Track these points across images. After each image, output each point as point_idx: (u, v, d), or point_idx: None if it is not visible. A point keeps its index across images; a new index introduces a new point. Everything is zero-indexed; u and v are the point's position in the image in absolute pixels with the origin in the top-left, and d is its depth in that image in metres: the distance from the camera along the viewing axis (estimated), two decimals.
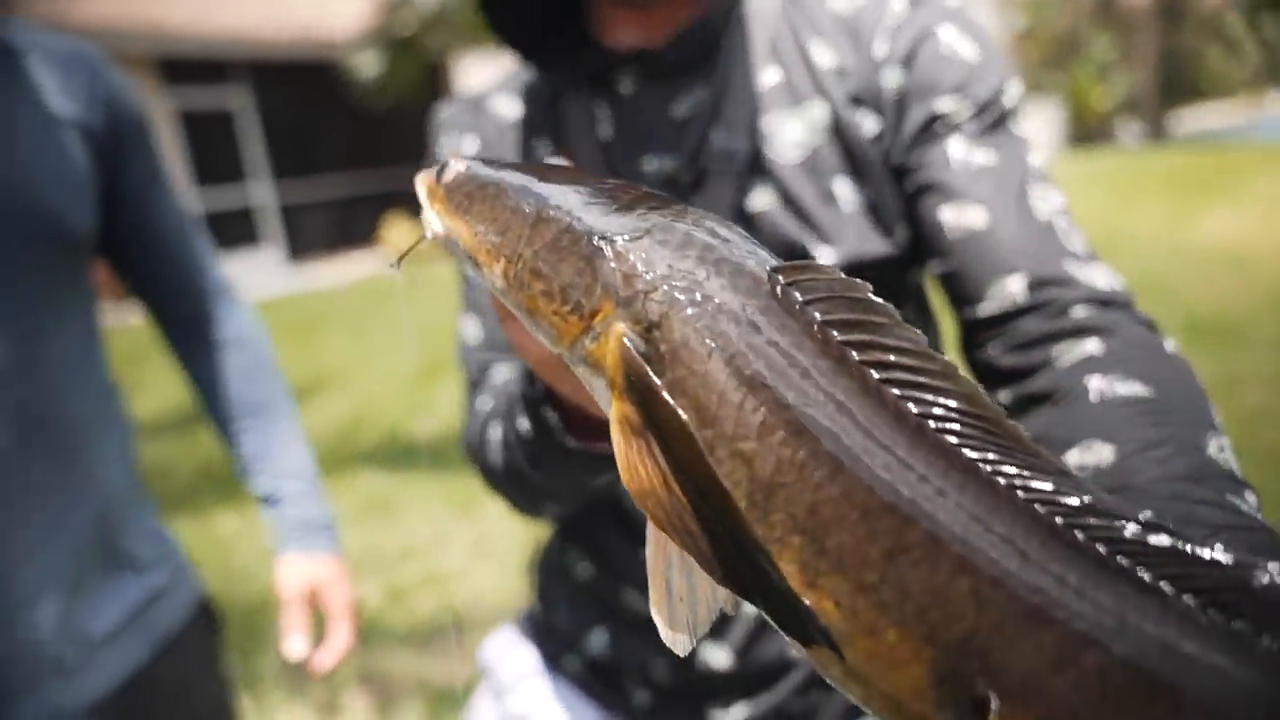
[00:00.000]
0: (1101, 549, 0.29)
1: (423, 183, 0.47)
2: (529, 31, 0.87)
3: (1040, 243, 0.72)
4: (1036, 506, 0.30)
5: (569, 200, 0.40)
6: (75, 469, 1.03)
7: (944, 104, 0.78)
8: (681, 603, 0.36)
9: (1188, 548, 0.28)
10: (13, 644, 0.96)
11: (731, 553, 0.33)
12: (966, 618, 0.29)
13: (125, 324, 4.17)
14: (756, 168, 0.81)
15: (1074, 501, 0.30)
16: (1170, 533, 0.29)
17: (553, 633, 0.99)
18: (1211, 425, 0.57)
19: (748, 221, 0.81)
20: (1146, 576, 0.28)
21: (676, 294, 0.35)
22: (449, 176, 0.45)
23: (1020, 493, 0.30)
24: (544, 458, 0.70)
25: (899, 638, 0.30)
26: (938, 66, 0.79)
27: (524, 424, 0.69)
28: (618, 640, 0.93)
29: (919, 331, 0.34)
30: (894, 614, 0.30)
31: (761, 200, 0.81)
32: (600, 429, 0.64)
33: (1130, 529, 0.29)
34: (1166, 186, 14.95)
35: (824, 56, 0.82)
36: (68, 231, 1.00)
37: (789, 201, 0.81)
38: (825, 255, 0.80)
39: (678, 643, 0.37)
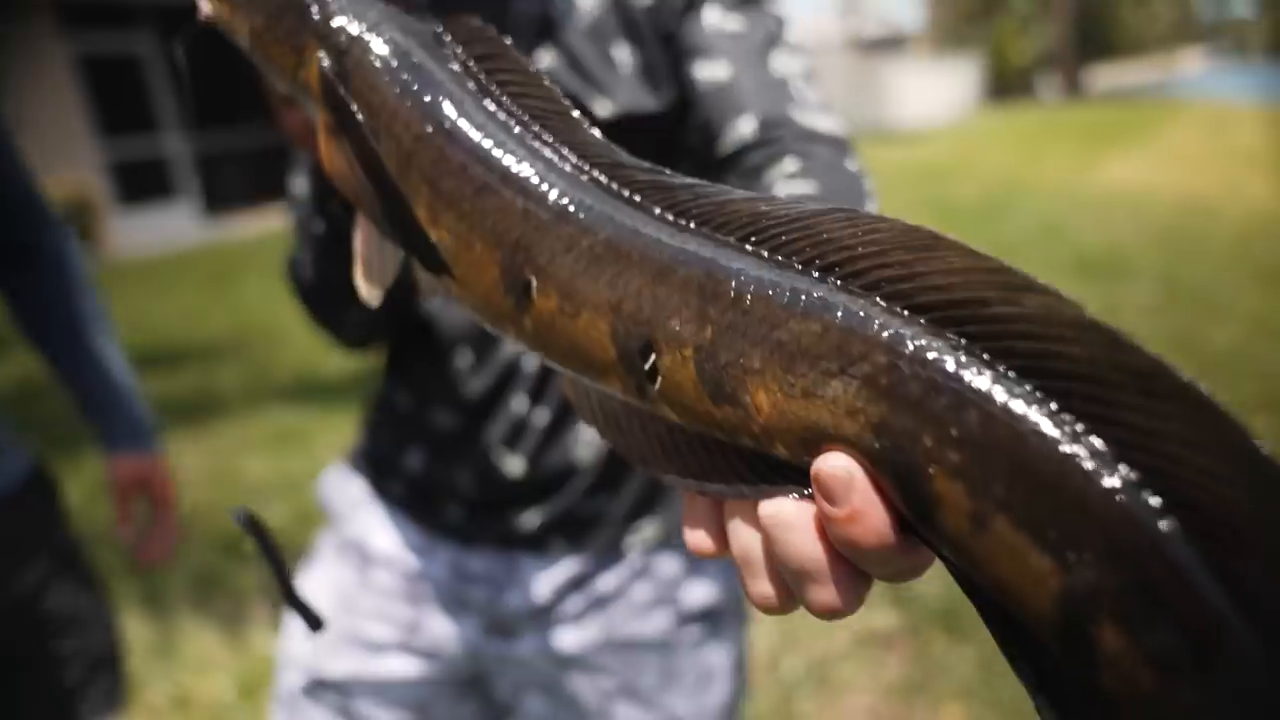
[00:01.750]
0: (604, 178, 0.41)
1: None
2: None
3: (773, 93, 0.85)
4: (567, 152, 0.43)
5: None
6: None
7: None
8: (373, 266, 0.52)
9: (676, 178, 0.41)
10: None
11: (389, 207, 0.46)
12: (517, 226, 0.41)
13: None
14: (545, 31, 0.93)
15: (600, 154, 0.43)
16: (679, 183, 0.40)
17: (377, 461, 1.10)
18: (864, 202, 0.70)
19: None
20: (635, 197, 0.40)
21: (360, 32, 0.49)
22: None
23: (569, 152, 0.43)
24: (337, 252, 0.81)
25: (482, 247, 0.42)
26: None
27: (318, 225, 0.80)
28: (431, 458, 1.04)
29: (529, 61, 0.47)
30: (479, 231, 0.43)
31: (546, 59, 0.93)
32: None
33: (638, 174, 0.41)
34: (1076, 138, 15.49)
35: None
36: None
37: (572, 62, 0.93)
38: (602, 108, 0.92)
39: (371, 295, 0.52)
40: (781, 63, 0.88)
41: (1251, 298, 5.38)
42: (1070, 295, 0.28)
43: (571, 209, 0.40)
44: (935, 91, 25.64)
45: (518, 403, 0.99)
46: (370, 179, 0.46)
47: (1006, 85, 31.37)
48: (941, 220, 7.77)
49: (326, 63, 0.49)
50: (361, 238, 0.51)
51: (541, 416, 0.99)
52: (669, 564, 1.04)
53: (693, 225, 0.37)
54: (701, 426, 0.36)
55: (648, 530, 1.03)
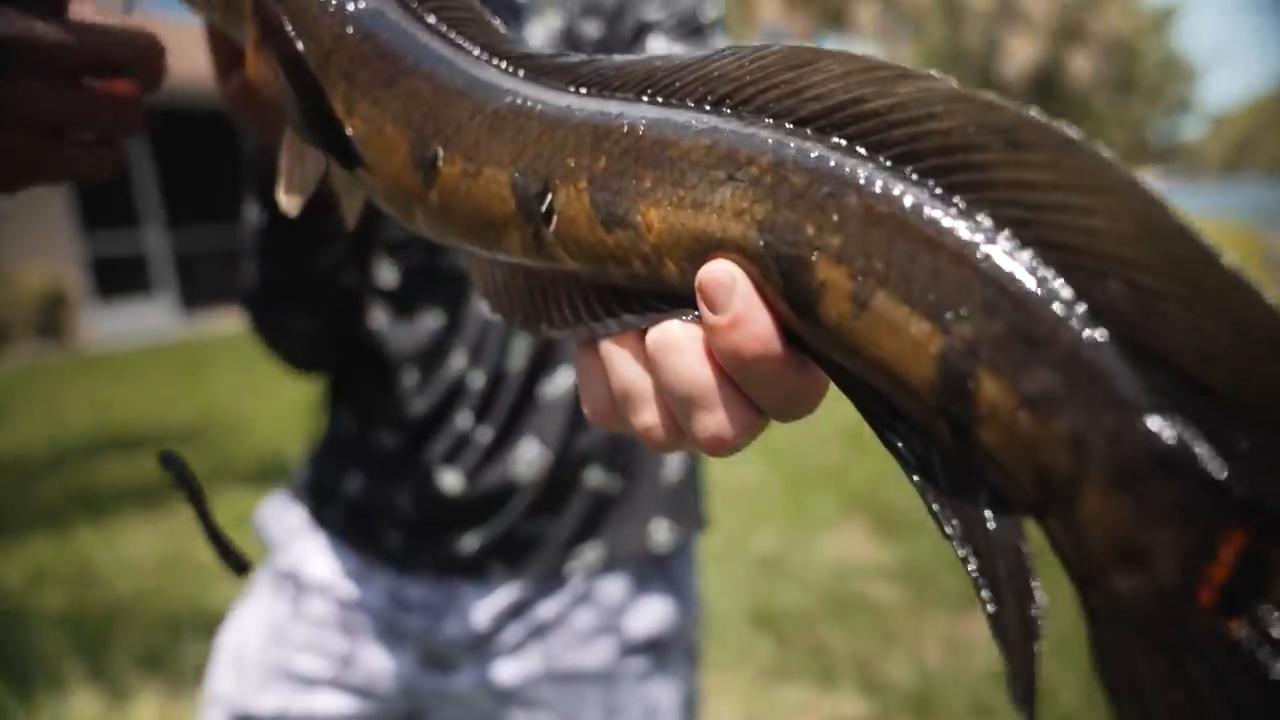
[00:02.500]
0: (508, 64, 0.43)
1: None
2: None
3: None
4: (476, 46, 0.45)
5: None
6: None
7: (650, 12, 0.95)
8: (293, 177, 0.53)
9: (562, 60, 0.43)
10: None
11: (308, 102, 0.48)
12: (425, 104, 0.43)
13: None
14: None
15: (509, 48, 0.45)
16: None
17: (316, 489, 1.07)
18: None
19: None
20: (539, 76, 0.42)
21: None
22: None
23: (478, 46, 0.45)
24: (279, 242, 0.81)
25: (393, 128, 0.44)
26: None
27: (262, 217, 0.80)
28: (370, 481, 1.02)
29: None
30: (389, 114, 0.44)
31: None
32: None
33: (543, 60, 0.43)
34: None
35: None
36: None
37: None
38: None
39: (290, 203, 0.53)
40: None
41: None
42: (942, 76, 0.29)
43: (476, 84, 0.42)
44: None
45: (462, 419, 0.97)
46: (291, 79, 0.48)
47: None
48: None
49: None
50: (285, 153, 0.53)
51: (484, 435, 0.97)
52: (613, 589, 1.00)
53: (590, 87, 0.39)
54: (594, 262, 0.37)
55: (590, 555, 0.99)
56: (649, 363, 0.36)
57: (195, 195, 13.54)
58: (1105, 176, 0.26)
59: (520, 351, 0.97)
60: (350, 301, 0.95)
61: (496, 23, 0.46)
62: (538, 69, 0.42)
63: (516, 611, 0.99)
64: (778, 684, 2.62)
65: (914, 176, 0.29)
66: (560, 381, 0.98)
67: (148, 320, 12.25)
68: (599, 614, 1.00)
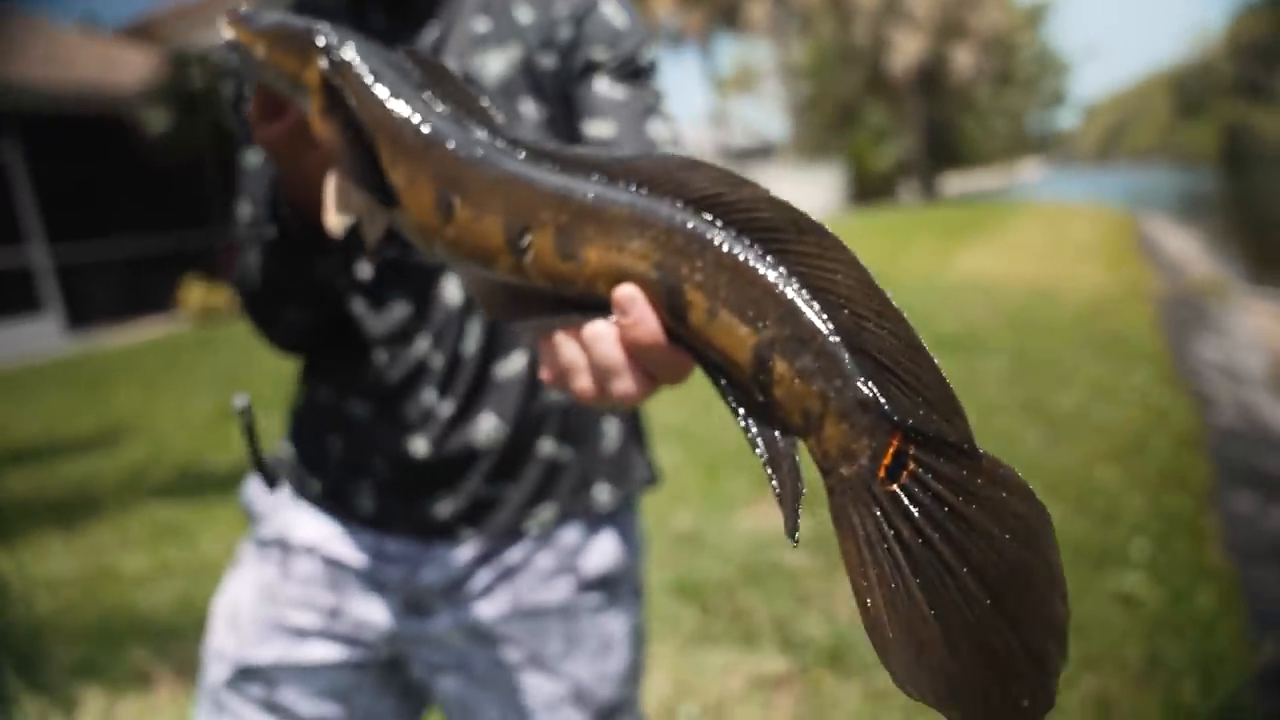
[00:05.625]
0: (505, 142, 0.64)
1: (225, 15, 0.80)
2: None
3: (645, 150, 1.05)
4: (481, 125, 0.66)
5: (300, 18, 0.78)
6: None
7: (597, 53, 1.10)
8: (340, 207, 0.72)
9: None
10: None
11: (362, 158, 0.68)
12: (450, 168, 0.63)
13: None
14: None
15: (504, 130, 0.65)
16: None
17: (298, 460, 1.18)
18: None
19: None
20: (525, 152, 0.63)
21: (348, 49, 0.72)
22: (241, 7, 0.81)
23: (483, 125, 0.66)
24: (284, 251, 0.94)
25: (424, 182, 0.65)
26: (597, 28, 1.10)
27: (271, 231, 0.93)
28: (346, 446, 1.14)
29: (459, 75, 0.68)
30: (423, 171, 0.65)
31: None
32: (314, 210, 0.89)
33: (530, 142, 0.63)
34: (933, 234, 16.58)
35: (522, 14, 1.11)
36: None
37: None
38: None
39: (337, 226, 0.72)
40: (655, 129, 1.09)
41: (1091, 366, 5.90)
42: (774, 193, 0.50)
43: (484, 157, 0.63)
44: (803, 195, 27.17)
45: (426, 395, 1.10)
46: (351, 142, 0.68)
47: (868, 190, 33.44)
48: None
49: (326, 66, 0.71)
50: (334, 187, 0.72)
51: (446, 408, 1.10)
52: (569, 535, 1.15)
53: (560, 166, 0.61)
54: (553, 281, 0.59)
55: (544, 514, 1.14)
56: (583, 346, 0.58)
57: (79, 207, 12.99)
58: (844, 252, 0.48)
59: (474, 337, 1.11)
60: (335, 294, 1.07)
61: (491, 108, 0.66)
62: (525, 148, 0.62)
63: (485, 558, 1.12)
64: (704, 649, 2.79)
65: (746, 242, 0.51)
66: (514, 364, 1.12)
67: (37, 337, 11.74)
68: (558, 556, 1.14)
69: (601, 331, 0.57)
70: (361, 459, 1.13)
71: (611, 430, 1.19)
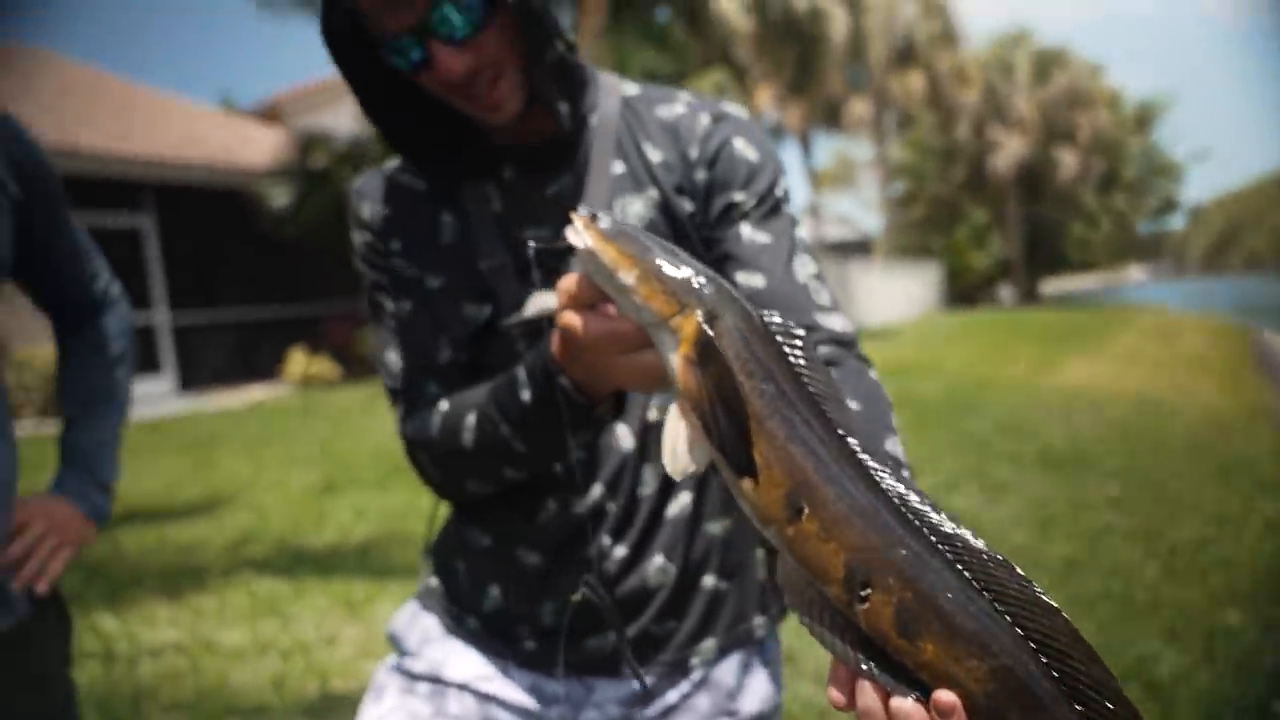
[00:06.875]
0: (860, 458, 0.65)
1: (580, 218, 0.76)
2: (429, 148, 1.14)
3: (800, 298, 1.04)
4: (839, 430, 0.65)
5: (668, 247, 0.75)
6: None
7: (736, 196, 1.10)
8: (689, 456, 0.69)
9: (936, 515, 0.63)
10: None
11: (726, 425, 0.66)
12: (805, 472, 0.63)
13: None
14: None
15: (855, 436, 0.66)
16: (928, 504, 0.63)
17: (453, 599, 1.18)
18: (890, 428, 0.93)
19: None
20: (877, 479, 0.64)
21: (725, 310, 0.70)
22: (601, 220, 0.76)
23: (839, 430, 0.66)
24: (537, 417, 0.95)
25: (779, 472, 0.64)
26: (732, 168, 1.10)
27: (525, 394, 0.94)
28: (511, 594, 1.13)
29: (817, 353, 0.71)
30: (780, 463, 0.64)
31: None
32: (592, 392, 0.91)
33: (876, 460, 0.65)
34: (1035, 340, 16.21)
35: (654, 154, 1.12)
36: None
37: None
38: None
39: (677, 471, 0.69)
40: (802, 267, 1.07)
41: (1211, 492, 5.57)
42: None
43: (840, 475, 0.63)
44: (901, 292, 26.88)
45: (600, 540, 1.10)
46: (720, 403, 0.67)
47: (966, 289, 32.96)
48: (912, 415, 8.00)
49: (703, 320, 0.69)
50: (684, 434, 0.70)
51: (620, 551, 1.10)
52: (726, 674, 1.14)
53: (910, 516, 0.62)
54: (877, 637, 0.60)
55: (707, 648, 1.13)
56: (889, 709, 0.60)
57: (199, 274, 13.69)
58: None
59: (650, 481, 1.11)
60: (554, 462, 1.08)
61: (843, 397, 0.67)
62: (873, 469, 0.63)
63: (646, 698, 1.12)
64: None
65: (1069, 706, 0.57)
66: (681, 501, 1.12)
67: (153, 395, 12.31)
68: (715, 697, 1.14)
69: (910, 713, 0.58)
70: (527, 608, 1.12)
71: (757, 560, 1.20)
